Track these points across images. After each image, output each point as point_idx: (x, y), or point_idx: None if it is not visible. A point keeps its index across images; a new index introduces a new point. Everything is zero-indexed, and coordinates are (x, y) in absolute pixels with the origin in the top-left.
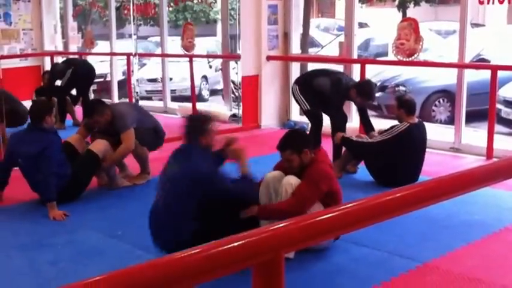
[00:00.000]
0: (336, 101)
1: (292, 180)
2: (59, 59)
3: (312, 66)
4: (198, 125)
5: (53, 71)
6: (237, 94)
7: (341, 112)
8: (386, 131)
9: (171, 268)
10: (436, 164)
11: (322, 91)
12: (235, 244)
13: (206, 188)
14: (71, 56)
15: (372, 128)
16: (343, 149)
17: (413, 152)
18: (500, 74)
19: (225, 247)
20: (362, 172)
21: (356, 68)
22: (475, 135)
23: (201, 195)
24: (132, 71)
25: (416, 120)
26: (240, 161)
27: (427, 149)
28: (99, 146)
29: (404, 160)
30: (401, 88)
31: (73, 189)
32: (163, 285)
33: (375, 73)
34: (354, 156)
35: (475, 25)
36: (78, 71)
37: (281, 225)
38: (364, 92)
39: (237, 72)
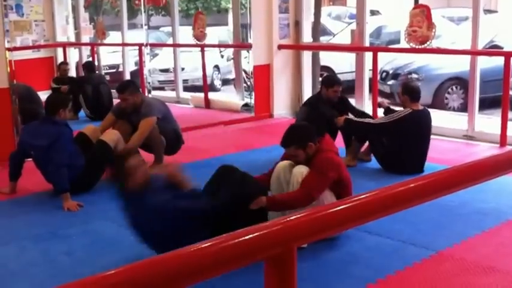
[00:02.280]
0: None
1: (302, 169)
2: (71, 50)
3: (323, 55)
4: (119, 171)
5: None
6: (248, 83)
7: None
8: (389, 115)
9: (183, 262)
10: (449, 152)
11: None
12: (247, 237)
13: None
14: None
15: (365, 115)
16: (353, 138)
17: (416, 138)
18: None
19: (237, 240)
20: (376, 161)
21: (368, 56)
22: (489, 122)
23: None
24: (144, 62)
25: (420, 107)
26: (180, 183)
27: (440, 137)
28: (111, 135)
29: (407, 146)
30: (414, 75)
31: (86, 180)
32: (175, 279)
33: (387, 61)
34: (358, 140)
35: (488, 11)
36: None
37: (293, 217)
38: (326, 80)
39: (249, 61)
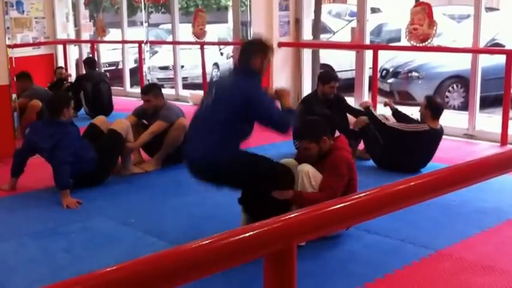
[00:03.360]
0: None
1: (307, 168)
2: (71, 47)
3: (323, 53)
4: (256, 46)
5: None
6: None
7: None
8: (405, 120)
9: (183, 258)
10: (449, 150)
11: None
12: (247, 234)
13: (254, 108)
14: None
15: (362, 113)
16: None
17: (421, 154)
18: None
19: (237, 237)
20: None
21: (368, 54)
22: (489, 121)
23: (247, 114)
24: (144, 59)
25: (438, 125)
26: (283, 100)
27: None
28: (121, 124)
29: (410, 155)
30: (414, 74)
31: (100, 170)
32: (175, 275)
33: (387, 59)
34: (354, 138)
35: (489, 9)
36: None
37: (293, 215)
38: (322, 76)
39: None
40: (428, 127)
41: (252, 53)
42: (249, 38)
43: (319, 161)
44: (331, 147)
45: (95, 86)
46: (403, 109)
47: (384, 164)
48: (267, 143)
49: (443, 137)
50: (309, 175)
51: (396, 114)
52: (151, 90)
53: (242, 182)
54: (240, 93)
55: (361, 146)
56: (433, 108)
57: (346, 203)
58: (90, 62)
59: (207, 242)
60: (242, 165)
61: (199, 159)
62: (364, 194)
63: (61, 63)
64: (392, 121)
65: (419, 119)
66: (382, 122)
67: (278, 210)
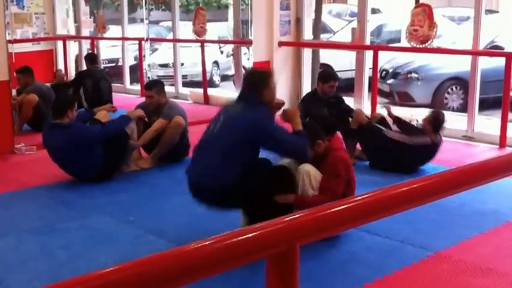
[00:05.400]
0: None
1: (308, 168)
2: (71, 43)
3: (324, 52)
4: (259, 79)
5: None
6: None
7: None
8: (407, 129)
9: (183, 259)
10: (448, 152)
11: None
12: (250, 235)
13: (265, 139)
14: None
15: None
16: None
17: (420, 160)
18: None
19: (239, 238)
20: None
21: (369, 55)
22: (488, 123)
23: (256, 143)
24: (144, 56)
25: (438, 137)
26: (293, 122)
27: None
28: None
29: (407, 161)
30: (414, 75)
31: (106, 168)
32: (177, 276)
33: (386, 59)
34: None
35: (489, 11)
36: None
37: (296, 216)
38: (322, 75)
39: (249, 57)
40: (430, 140)
41: (258, 87)
42: (249, 37)
43: (316, 163)
44: (327, 148)
45: (95, 83)
46: (402, 110)
47: (379, 165)
48: None
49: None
50: (309, 175)
51: (397, 122)
52: (155, 86)
53: (242, 203)
54: (250, 124)
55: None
56: (435, 124)
57: (349, 205)
58: (92, 58)
59: (209, 242)
60: (242, 186)
61: (200, 180)
62: (367, 195)
63: (61, 59)
64: (394, 129)
65: (419, 127)
66: (385, 134)
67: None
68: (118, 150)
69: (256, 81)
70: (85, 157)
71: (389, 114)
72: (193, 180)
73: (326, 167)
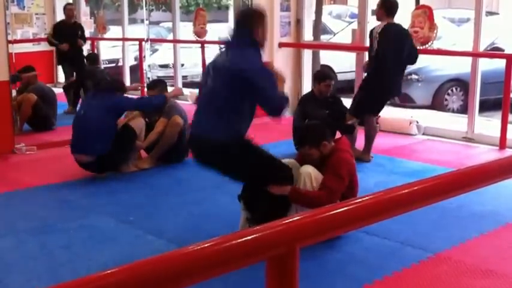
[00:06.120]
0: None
1: (309, 170)
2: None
3: (324, 54)
4: (254, 16)
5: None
6: None
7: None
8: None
9: (185, 261)
10: (448, 153)
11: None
12: (249, 237)
13: (249, 82)
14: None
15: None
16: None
17: (397, 45)
18: None
19: (239, 240)
20: (376, 160)
21: None
22: (488, 124)
23: (243, 89)
24: (144, 57)
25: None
26: (279, 83)
27: (439, 138)
28: (138, 123)
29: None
30: (414, 76)
31: (112, 161)
32: (177, 278)
33: None
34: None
35: (489, 13)
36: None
37: (296, 218)
38: (318, 75)
39: None
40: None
41: (253, 24)
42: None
43: (321, 164)
44: (333, 148)
45: (96, 83)
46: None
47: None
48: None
49: (442, 139)
50: (310, 177)
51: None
52: (158, 86)
53: (241, 169)
54: (239, 67)
55: (361, 146)
56: (386, 6)
57: (350, 207)
58: (93, 59)
59: (208, 244)
60: (243, 151)
61: (201, 134)
62: (367, 197)
63: None
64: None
65: None
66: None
67: (277, 206)
68: (125, 142)
69: (247, 19)
70: (103, 129)
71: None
72: (193, 131)
73: (329, 166)
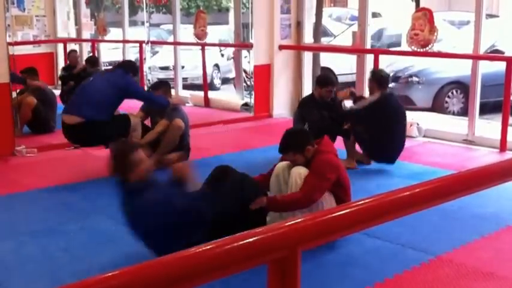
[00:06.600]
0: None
1: (301, 170)
2: (72, 46)
3: (324, 56)
4: (122, 163)
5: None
6: (248, 83)
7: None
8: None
9: (186, 264)
10: (449, 156)
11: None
12: (250, 240)
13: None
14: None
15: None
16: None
17: (390, 120)
18: None
19: (240, 243)
20: (374, 161)
21: (369, 58)
22: (489, 127)
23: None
24: (145, 59)
25: (386, 92)
26: (180, 171)
27: (440, 141)
28: (135, 118)
29: (383, 130)
30: (414, 79)
31: (98, 131)
32: (178, 280)
33: (386, 64)
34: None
35: (489, 16)
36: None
37: (297, 221)
38: (320, 80)
39: (249, 61)
40: (379, 95)
41: None
42: (250, 40)
43: (307, 167)
44: (315, 151)
45: None
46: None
47: (372, 152)
48: (267, 145)
49: (442, 142)
50: (301, 177)
51: (355, 99)
52: (161, 87)
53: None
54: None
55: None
56: (378, 80)
57: (351, 209)
58: (93, 61)
59: (210, 247)
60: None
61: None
62: (368, 200)
63: (61, 62)
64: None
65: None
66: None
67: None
68: (118, 120)
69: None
70: (103, 101)
71: (352, 94)
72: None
73: (312, 167)
